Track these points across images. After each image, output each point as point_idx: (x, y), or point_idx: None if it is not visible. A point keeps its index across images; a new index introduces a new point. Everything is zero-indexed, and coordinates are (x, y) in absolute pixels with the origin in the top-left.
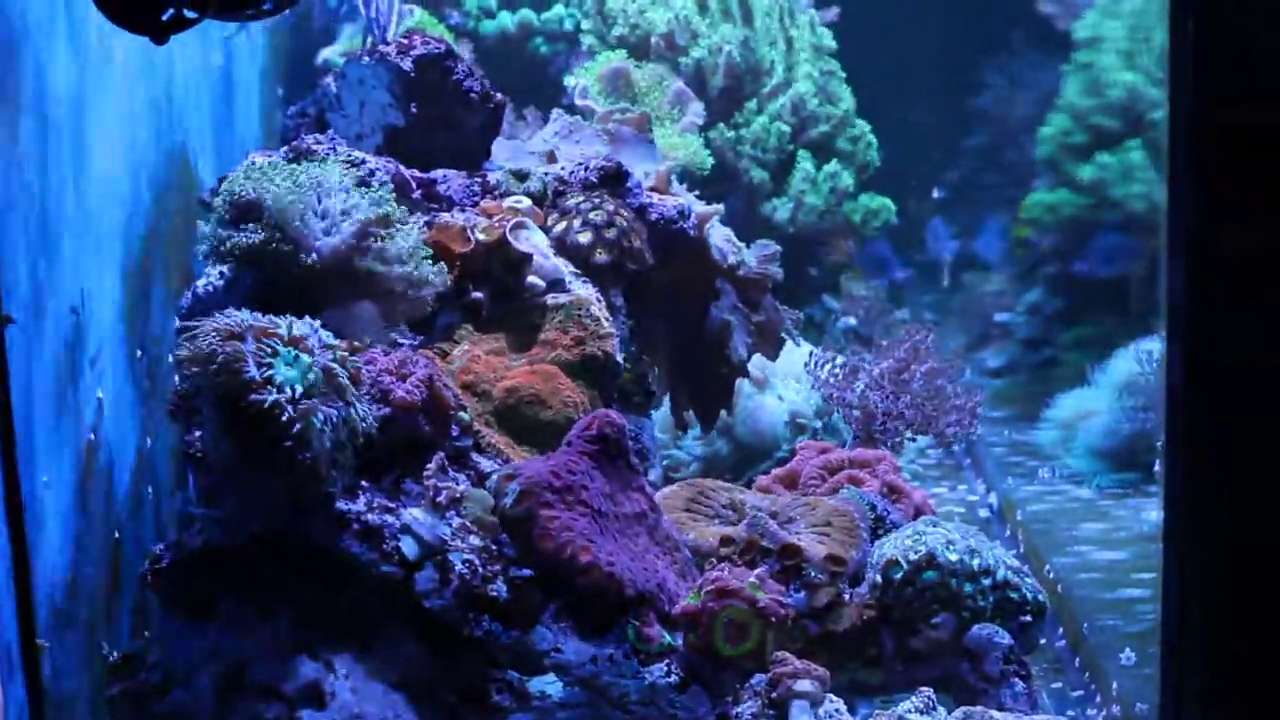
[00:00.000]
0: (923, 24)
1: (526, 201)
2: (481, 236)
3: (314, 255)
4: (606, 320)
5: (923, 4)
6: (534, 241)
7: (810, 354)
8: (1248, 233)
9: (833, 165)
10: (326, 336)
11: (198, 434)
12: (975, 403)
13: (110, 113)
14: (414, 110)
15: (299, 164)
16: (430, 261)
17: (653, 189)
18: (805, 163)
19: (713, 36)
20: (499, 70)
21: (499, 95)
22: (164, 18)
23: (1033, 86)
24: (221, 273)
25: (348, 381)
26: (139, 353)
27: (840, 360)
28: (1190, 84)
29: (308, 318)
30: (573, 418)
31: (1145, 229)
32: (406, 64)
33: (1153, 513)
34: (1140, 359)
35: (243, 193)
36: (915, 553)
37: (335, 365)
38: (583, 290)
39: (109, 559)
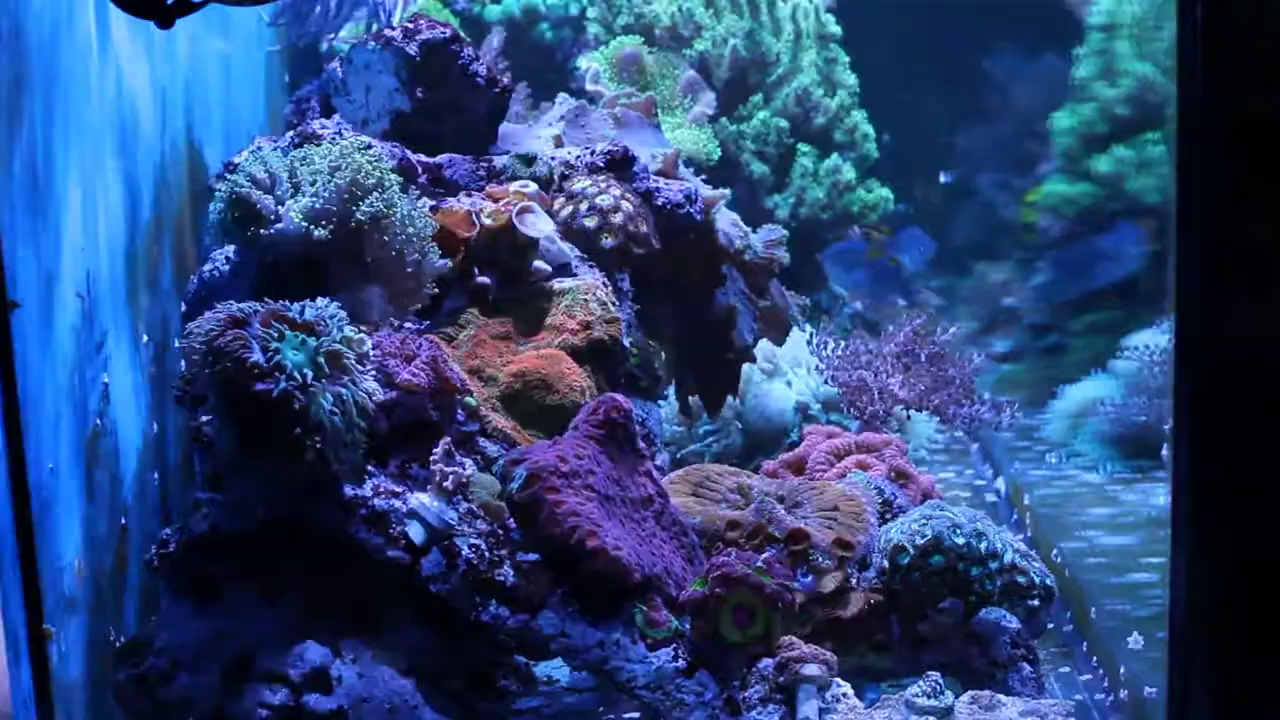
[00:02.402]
0: (930, 7)
1: (533, 186)
2: (488, 221)
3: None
4: (613, 304)
5: None
6: (540, 226)
7: (811, 335)
8: (1257, 223)
9: (833, 159)
10: (341, 318)
11: (204, 419)
12: (969, 374)
13: (116, 97)
14: (420, 95)
15: (303, 149)
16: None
17: (660, 173)
18: (805, 158)
19: (717, 28)
20: (505, 56)
21: (505, 80)
22: (169, 2)
23: (1043, 71)
24: (227, 257)
25: (354, 363)
26: (145, 338)
27: (842, 342)
28: (1199, 73)
29: (320, 300)
30: (579, 402)
31: (1158, 221)
32: (412, 49)
33: (1161, 498)
34: (1141, 352)
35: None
36: (922, 537)
37: (341, 346)
38: (589, 275)
39: (115, 545)
